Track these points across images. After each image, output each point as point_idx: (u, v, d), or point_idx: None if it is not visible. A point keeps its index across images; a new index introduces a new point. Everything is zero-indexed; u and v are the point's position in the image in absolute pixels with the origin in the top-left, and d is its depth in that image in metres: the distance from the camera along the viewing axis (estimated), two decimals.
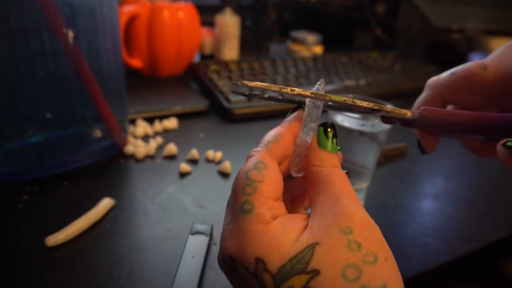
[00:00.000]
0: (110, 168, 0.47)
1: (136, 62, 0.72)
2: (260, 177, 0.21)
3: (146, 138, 0.55)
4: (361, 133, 0.38)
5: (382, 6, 1.06)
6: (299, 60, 0.82)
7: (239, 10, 0.94)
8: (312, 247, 0.18)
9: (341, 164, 0.25)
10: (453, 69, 0.29)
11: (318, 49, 0.97)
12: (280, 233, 0.19)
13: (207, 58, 0.91)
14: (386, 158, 0.55)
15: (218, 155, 0.51)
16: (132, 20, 0.68)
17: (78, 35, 0.40)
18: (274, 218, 0.20)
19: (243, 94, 0.27)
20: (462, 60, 0.96)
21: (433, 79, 0.30)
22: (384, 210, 0.45)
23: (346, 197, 0.20)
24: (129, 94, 0.52)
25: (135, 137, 0.54)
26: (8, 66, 0.37)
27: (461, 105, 0.30)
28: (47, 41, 0.38)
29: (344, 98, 0.24)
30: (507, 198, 0.49)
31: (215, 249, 0.36)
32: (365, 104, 0.24)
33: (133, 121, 0.57)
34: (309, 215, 0.20)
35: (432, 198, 0.48)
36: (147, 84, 0.71)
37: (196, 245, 0.35)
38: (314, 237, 0.18)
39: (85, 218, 0.37)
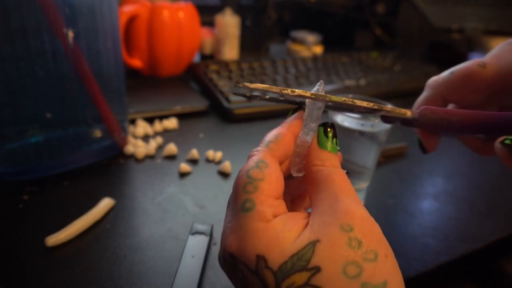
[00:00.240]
0: (110, 168, 0.47)
1: (136, 62, 0.72)
2: (261, 175, 0.21)
3: (146, 138, 0.55)
4: (361, 133, 0.38)
5: (382, 6, 1.06)
6: (299, 60, 0.82)
7: (239, 10, 0.94)
8: (313, 244, 0.18)
9: (341, 164, 0.25)
10: (452, 69, 0.29)
11: (318, 49, 0.97)
12: (281, 231, 0.19)
13: (207, 58, 0.91)
14: (386, 158, 0.55)
15: (218, 155, 0.51)
16: (132, 20, 0.68)
17: (78, 35, 0.40)
18: (275, 216, 0.20)
19: (244, 95, 0.27)
20: (462, 60, 0.96)
21: (433, 79, 0.30)
22: (384, 210, 0.45)
23: (346, 196, 0.20)
24: (129, 94, 0.52)
25: (135, 137, 0.54)
26: (8, 66, 0.37)
27: (461, 103, 0.30)
28: (47, 41, 0.38)
29: (344, 98, 0.24)
30: (507, 198, 0.49)
31: (215, 249, 0.36)
32: (364, 104, 0.24)
33: (133, 121, 0.57)
34: (309, 214, 0.20)
35: (432, 198, 0.48)
36: (147, 84, 0.71)
37: (196, 245, 0.35)
38: (315, 234, 0.18)
39: (85, 218, 0.37)
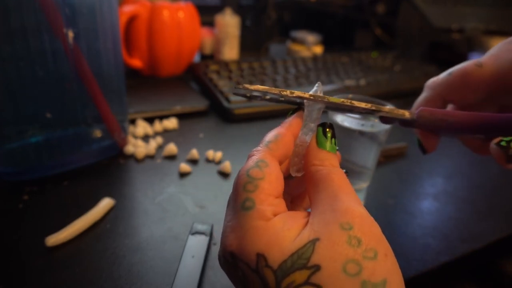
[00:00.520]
0: (110, 168, 0.47)
1: (136, 62, 0.72)
2: (261, 174, 0.21)
3: (146, 138, 0.55)
4: (361, 133, 0.38)
5: (382, 6, 1.06)
6: (299, 60, 0.82)
7: (239, 10, 0.94)
8: (313, 243, 0.18)
9: (341, 164, 0.26)
10: (451, 69, 0.29)
11: (318, 49, 0.97)
12: (281, 229, 0.19)
13: (207, 58, 0.91)
14: (386, 158, 0.55)
15: (218, 155, 0.51)
16: (132, 20, 0.68)
17: (78, 35, 0.40)
18: (275, 215, 0.20)
19: (245, 96, 0.27)
20: (462, 60, 0.96)
21: (432, 80, 0.31)
22: (384, 210, 0.45)
23: (346, 195, 0.20)
24: (129, 94, 0.52)
25: (135, 137, 0.54)
26: (8, 66, 0.37)
27: (460, 103, 0.30)
28: (47, 41, 0.38)
29: (342, 99, 0.24)
30: (508, 198, 0.49)
31: (215, 249, 0.36)
32: (363, 105, 0.25)
33: (133, 121, 0.57)
34: (309, 213, 0.21)
35: (432, 198, 0.48)
36: (147, 84, 0.71)
37: (196, 245, 0.35)
38: (314, 233, 0.19)
39: (85, 218, 0.37)
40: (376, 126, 0.38)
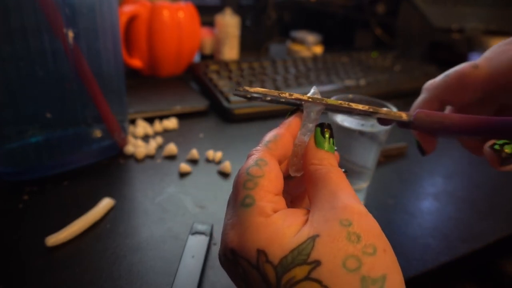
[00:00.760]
0: (110, 168, 0.47)
1: (136, 62, 0.72)
2: (260, 172, 0.21)
3: (146, 138, 0.55)
4: (361, 133, 0.38)
5: (382, 6, 1.06)
6: (299, 60, 0.82)
7: (239, 10, 0.94)
8: (312, 239, 0.18)
9: (341, 164, 0.26)
10: (447, 71, 0.30)
11: (318, 49, 0.97)
12: (281, 226, 0.19)
13: (207, 58, 0.91)
14: (386, 158, 0.55)
15: (218, 155, 0.51)
16: (132, 20, 0.68)
17: (78, 35, 0.40)
18: (275, 211, 0.20)
19: (245, 97, 0.27)
20: (462, 60, 0.96)
21: (429, 82, 0.31)
22: (384, 210, 0.45)
23: (344, 192, 0.20)
24: (129, 94, 0.52)
25: (135, 137, 0.54)
26: (8, 66, 0.37)
27: (457, 104, 0.31)
28: (47, 41, 0.38)
29: (340, 101, 0.25)
30: (508, 198, 0.49)
31: (215, 249, 0.36)
32: (360, 107, 0.25)
33: (133, 121, 0.57)
34: (309, 211, 0.21)
35: (432, 198, 0.48)
36: (147, 84, 0.71)
37: (196, 245, 0.35)
38: (314, 229, 0.19)
39: (85, 218, 0.37)
40: (376, 126, 0.38)
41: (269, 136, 0.24)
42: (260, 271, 0.19)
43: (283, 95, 0.24)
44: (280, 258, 0.18)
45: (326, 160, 0.22)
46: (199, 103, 0.64)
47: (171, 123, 0.58)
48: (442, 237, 0.41)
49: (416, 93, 0.33)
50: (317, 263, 0.18)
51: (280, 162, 0.23)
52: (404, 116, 0.27)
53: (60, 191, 0.42)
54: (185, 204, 0.42)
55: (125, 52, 0.70)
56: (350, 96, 0.42)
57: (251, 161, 0.22)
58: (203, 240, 0.36)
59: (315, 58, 0.85)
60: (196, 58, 0.87)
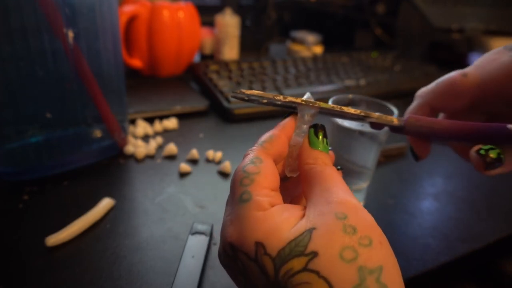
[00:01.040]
0: (110, 168, 0.47)
1: (136, 62, 0.72)
2: (256, 169, 0.22)
3: (146, 138, 0.55)
4: (361, 133, 0.38)
5: (382, 6, 1.06)
6: (299, 60, 0.82)
7: (239, 10, 0.94)
8: (309, 231, 0.19)
9: (341, 164, 0.26)
10: (438, 79, 0.31)
11: (318, 49, 0.97)
12: (279, 219, 0.20)
13: (207, 58, 0.91)
14: (386, 158, 0.55)
15: (218, 155, 0.51)
16: (132, 20, 0.68)
17: (78, 35, 0.40)
18: (272, 206, 0.21)
19: (243, 99, 0.28)
20: (462, 60, 0.96)
21: (421, 89, 0.32)
22: (384, 210, 0.45)
23: (339, 188, 0.21)
24: (129, 94, 0.52)
25: (135, 137, 0.54)
26: (8, 66, 0.37)
27: (447, 111, 0.32)
28: (47, 41, 0.38)
29: (332, 105, 0.25)
30: (507, 198, 0.49)
31: (215, 249, 0.36)
32: (352, 111, 0.26)
33: (133, 121, 0.57)
34: (305, 207, 0.21)
35: (432, 198, 0.48)
36: (147, 84, 0.71)
37: (196, 245, 0.35)
38: (311, 223, 0.19)
39: (85, 218, 0.37)
40: None
41: (264, 136, 0.24)
42: (258, 264, 0.19)
43: (278, 97, 0.25)
44: (278, 250, 0.19)
45: (320, 160, 0.23)
46: (199, 103, 0.64)
47: (171, 123, 0.58)
48: (442, 237, 0.41)
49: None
50: (314, 254, 0.18)
51: (276, 162, 0.24)
52: (395, 121, 0.28)
53: (60, 191, 0.42)
54: (185, 204, 0.42)
55: (125, 52, 0.70)
56: (350, 96, 0.42)
57: (247, 159, 0.23)
58: (203, 240, 0.36)
59: (315, 58, 0.85)
60: (196, 58, 0.87)
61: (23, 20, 0.36)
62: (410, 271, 0.36)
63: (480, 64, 0.29)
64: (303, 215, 0.20)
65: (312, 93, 0.70)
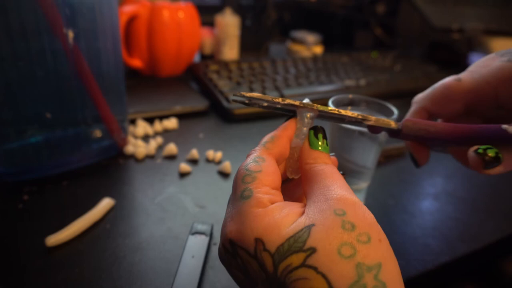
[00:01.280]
0: (110, 168, 0.47)
1: (136, 62, 0.72)
2: (258, 168, 0.22)
3: (146, 138, 0.55)
4: (361, 133, 0.38)
5: (382, 6, 1.06)
6: (299, 60, 0.82)
7: (239, 10, 0.94)
8: (308, 228, 0.19)
9: (341, 164, 0.26)
10: (433, 85, 0.32)
11: (318, 49, 0.97)
12: (278, 215, 0.20)
13: (207, 58, 0.91)
14: (386, 158, 0.55)
15: (218, 155, 0.51)
16: (132, 20, 0.68)
17: (78, 35, 0.40)
18: (272, 203, 0.21)
19: (243, 103, 0.28)
20: (462, 60, 0.96)
21: (418, 95, 0.33)
22: (384, 210, 0.45)
23: (338, 186, 0.21)
24: (129, 94, 0.52)
25: (135, 137, 0.54)
26: (8, 66, 0.37)
27: (443, 115, 0.33)
28: (47, 41, 0.38)
29: (330, 108, 0.26)
30: (507, 198, 0.49)
31: (215, 249, 0.36)
32: (349, 113, 0.26)
33: (133, 121, 0.57)
34: (305, 205, 0.21)
35: (432, 198, 0.48)
36: (147, 84, 0.71)
37: (196, 245, 0.35)
38: (310, 219, 0.19)
39: (85, 218, 0.37)
40: None
41: (267, 137, 0.25)
42: (258, 260, 0.19)
43: (277, 100, 0.25)
44: (277, 246, 0.19)
45: (320, 159, 0.23)
46: (199, 103, 0.64)
47: (171, 123, 0.58)
48: (442, 237, 0.41)
49: (416, 93, 0.34)
50: (313, 250, 0.18)
51: (278, 163, 0.24)
52: (392, 124, 0.29)
53: (60, 191, 0.42)
54: (185, 204, 0.42)
55: (125, 52, 0.70)
56: (350, 96, 0.42)
57: (250, 159, 0.23)
58: (203, 240, 0.36)
59: (315, 58, 0.85)
60: (196, 58, 0.87)
61: (23, 20, 0.36)
62: (410, 271, 0.36)
63: (474, 69, 0.30)
64: (303, 212, 0.20)
65: (312, 93, 0.70)
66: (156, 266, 0.34)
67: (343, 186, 0.21)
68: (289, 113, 0.28)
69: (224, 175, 0.48)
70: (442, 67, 0.93)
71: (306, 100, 0.26)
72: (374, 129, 0.29)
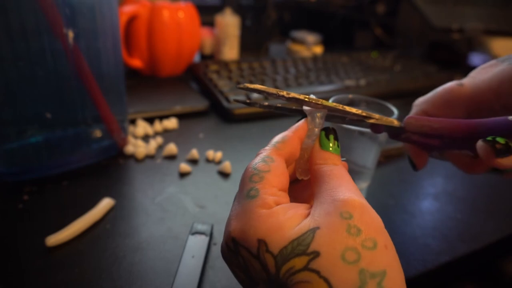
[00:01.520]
0: (110, 168, 0.47)
1: (136, 62, 0.72)
2: (267, 168, 0.22)
3: (146, 138, 0.55)
4: (361, 133, 0.38)
5: (382, 6, 1.06)
6: (299, 60, 0.82)
7: (239, 10, 0.94)
8: (313, 231, 0.19)
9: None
10: (435, 89, 0.32)
11: (318, 49, 0.97)
12: (282, 217, 0.20)
13: (207, 58, 0.91)
14: (386, 158, 0.55)
15: (218, 155, 0.51)
16: (132, 20, 0.68)
17: (78, 35, 0.40)
18: (277, 205, 0.21)
19: (244, 103, 0.28)
20: (462, 60, 0.96)
21: (419, 99, 0.33)
22: (384, 210, 0.45)
23: (346, 187, 0.21)
24: (129, 94, 0.52)
25: (135, 137, 0.54)
26: (8, 66, 0.37)
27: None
28: (47, 41, 0.38)
29: (335, 104, 0.26)
30: (507, 198, 0.49)
31: (215, 249, 0.36)
32: (354, 110, 0.26)
33: (133, 121, 0.57)
34: (311, 206, 0.21)
35: (432, 198, 0.48)
36: (147, 84, 0.71)
37: (196, 245, 0.35)
38: (315, 222, 0.19)
39: (85, 218, 0.37)
40: None
41: (278, 137, 0.25)
42: (260, 260, 0.19)
43: (281, 93, 0.25)
44: (280, 249, 0.19)
45: (330, 160, 0.23)
46: (199, 103, 0.64)
47: (171, 123, 0.58)
48: (442, 237, 0.41)
49: (416, 93, 0.34)
50: (316, 254, 0.18)
51: (287, 164, 0.24)
52: (395, 122, 0.28)
53: (60, 191, 0.42)
54: (185, 204, 0.42)
55: (125, 52, 0.70)
56: (350, 96, 0.42)
57: (259, 158, 0.23)
58: (203, 240, 0.36)
59: (315, 58, 0.85)
60: (196, 58, 0.87)
61: (23, 20, 0.36)
62: (410, 271, 0.36)
63: (475, 75, 0.30)
64: (308, 214, 0.20)
65: (312, 93, 0.70)
66: (156, 266, 0.34)
67: (351, 188, 0.21)
68: (288, 112, 0.27)
69: (224, 175, 0.48)
70: (442, 67, 0.93)
71: (311, 96, 0.26)
72: (377, 128, 0.29)
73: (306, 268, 0.18)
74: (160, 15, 0.68)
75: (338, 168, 0.23)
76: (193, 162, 0.50)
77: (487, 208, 0.47)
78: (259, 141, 0.57)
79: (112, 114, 0.46)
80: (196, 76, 0.73)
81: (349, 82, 0.76)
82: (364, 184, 0.43)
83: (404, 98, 0.77)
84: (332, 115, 0.27)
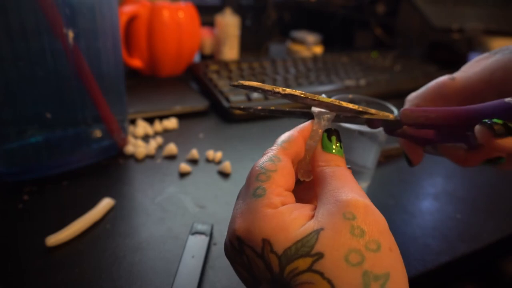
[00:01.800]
0: (110, 168, 0.47)
1: (136, 62, 0.72)
2: (274, 167, 0.22)
3: (146, 138, 0.55)
4: (361, 133, 0.38)
5: (382, 6, 1.06)
6: (299, 60, 0.82)
7: (239, 10, 0.94)
8: (317, 232, 0.19)
9: None
10: (427, 84, 0.32)
11: (318, 49, 0.97)
12: (287, 218, 0.20)
13: (207, 58, 0.91)
14: (386, 158, 0.55)
15: (218, 155, 0.51)
16: (132, 20, 0.68)
17: (78, 35, 0.40)
18: (283, 205, 0.21)
19: (240, 109, 0.28)
20: (462, 60, 0.96)
21: (411, 94, 0.34)
22: (384, 210, 0.44)
23: (349, 188, 0.21)
24: (129, 94, 0.52)
25: (135, 137, 0.54)
26: (8, 66, 0.37)
27: None
28: (47, 41, 0.38)
29: (331, 99, 0.25)
30: (507, 198, 0.49)
31: (215, 249, 0.36)
32: (350, 106, 0.26)
33: (133, 121, 0.57)
34: (316, 207, 0.21)
35: (432, 198, 0.48)
36: (147, 84, 0.71)
37: (196, 245, 0.35)
38: (319, 223, 0.19)
39: (85, 218, 0.37)
40: None
41: (283, 137, 0.25)
42: (264, 260, 0.19)
43: (277, 89, 0.24)
44: (284, 249, 0.19)
45: (333, 162, 0.23)
46: (199, 103, 0.64)
47: (171, 123, 0.58)
48: (442, 237, 0.41)
49: None
50: (320, 255, 0.18)
51: (293, 162, 0.24)
52: (391, 116, 0.28)
53: (60, 191, 0.42)
54: (185, 204, 0.42)
55: (125, 52, 0.70)
56: (350, 96, 0.42)
57: (266, 157, 0.23)
58: (203, 240, 0.36)
59: (315, 58, 0.85)
60: (196, 58, 0.87)
61: (23, 20, 0.36)
62: (410, 271, 0.36)
63: (467, 69, 0.30)
64: (313, 215, 0.20)
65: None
66: (156, 266, 0.34)
67: (355, 189, 0.21)
68: (282, 115, 0.27)
69: (224, 175, 0.48)
70: (442, 67, 0.93)
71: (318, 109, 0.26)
72: (373, 123, 0.29)
73: (310, 269, 0.18)
74: (160, 15, 0.68)
75: (341, 169, 0.23)
76: (193, 162, 0.50)
77: (487, 208, 0.47)
78: (259, 141, 0.57)
79: (112, 114, 0.46)
80: (196, 76, 0.73)
81: (349, 82, 0.76)
82: (364, 184, 0.43)
83: (404, 98, 0.77)
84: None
